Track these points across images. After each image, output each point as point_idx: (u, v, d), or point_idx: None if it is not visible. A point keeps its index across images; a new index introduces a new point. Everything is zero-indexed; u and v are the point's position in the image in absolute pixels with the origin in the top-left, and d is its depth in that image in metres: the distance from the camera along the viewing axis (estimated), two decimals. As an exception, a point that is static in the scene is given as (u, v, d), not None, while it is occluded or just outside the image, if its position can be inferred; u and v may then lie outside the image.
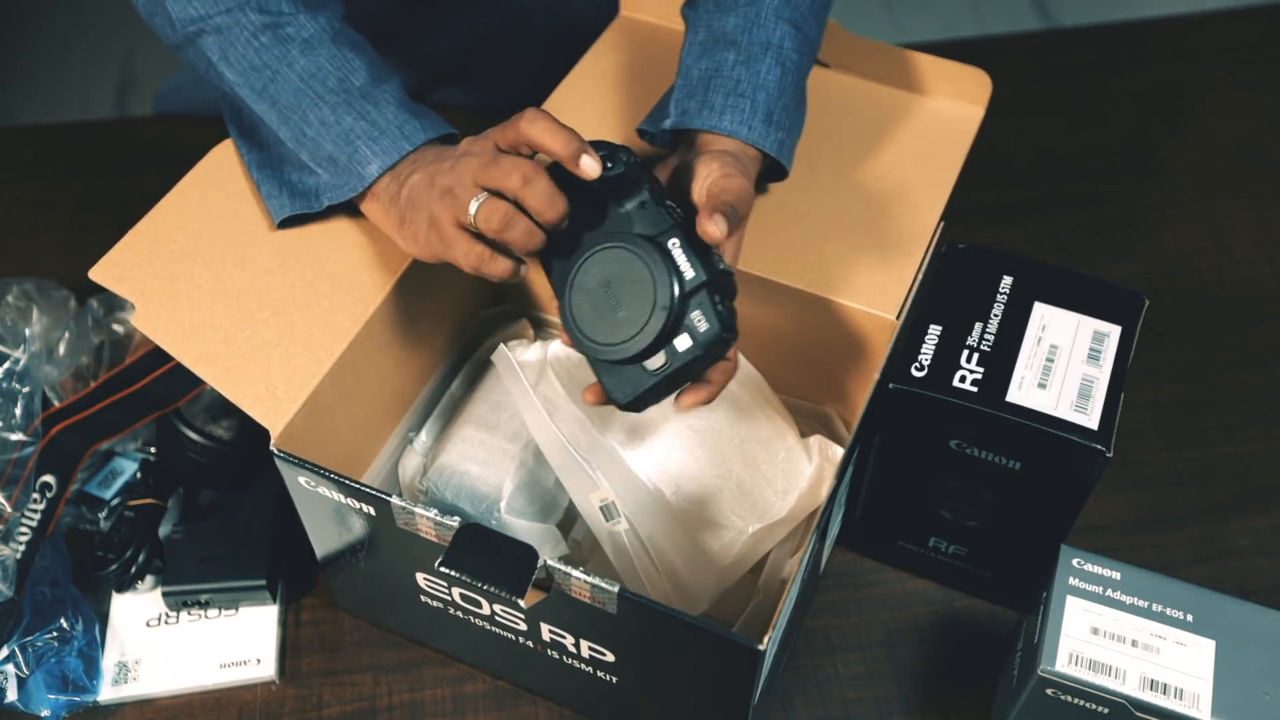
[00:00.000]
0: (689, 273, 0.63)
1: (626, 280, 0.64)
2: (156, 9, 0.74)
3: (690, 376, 0.66)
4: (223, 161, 0.80)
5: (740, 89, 0.73)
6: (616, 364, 0.65)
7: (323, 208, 0.75)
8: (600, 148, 0.66)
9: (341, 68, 0.72)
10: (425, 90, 1.17)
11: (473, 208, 0.65)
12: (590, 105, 0.90)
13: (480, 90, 1.17)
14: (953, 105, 0.90)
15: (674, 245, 0.64)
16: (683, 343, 0.63)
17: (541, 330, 0.90)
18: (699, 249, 0.64)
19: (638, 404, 0.66)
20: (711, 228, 0.64)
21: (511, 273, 0.67)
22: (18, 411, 0.86)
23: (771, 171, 0.78)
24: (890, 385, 0.73)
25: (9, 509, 0.83)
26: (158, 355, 0.85)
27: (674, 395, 0.68)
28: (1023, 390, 0.72)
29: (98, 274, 0.73)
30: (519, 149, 0.67)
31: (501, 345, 0.78)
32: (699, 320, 0.63)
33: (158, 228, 0.76)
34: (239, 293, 0.73)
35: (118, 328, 0.91)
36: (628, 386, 0.65)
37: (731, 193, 0.67)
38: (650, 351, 0.64)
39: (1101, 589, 0.68)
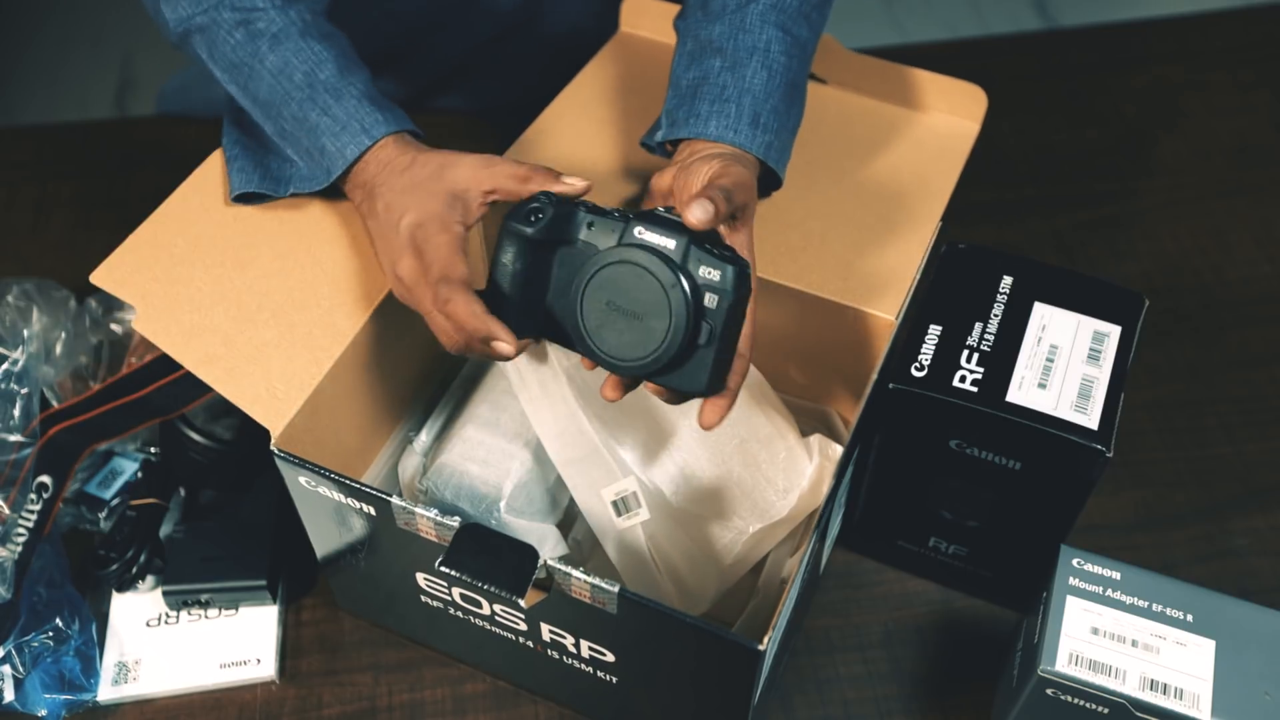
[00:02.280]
0: (669, 243, 0.62)
1: (623, 290, 0.63)
2: (155, 10, 0.76)
3: (736, 326, 0.64)
4: (221, 166, 0.80)
5: (726, 94, 0.72)
6: (674, 363, 0.64)
7: (286, 195, 0.76)
8: (521, 208, 0.66)
9: (308, 61, 0.73)
10: (425, 96, 1.17)
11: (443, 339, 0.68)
12: (588, 117, 0.90)
13: (479, 96, 1.18)
14: (948, 120, 0.90)
15: (639, 232, 0.63)
16: (711, 300, 0.62)
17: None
18: (664, 223, 0.63)
19: (716, 382, 0.64)
20: (691, 214, 0.62)
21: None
22: (15, 412, 0.86)
23: (766, 180, 0.76)
24: (890, 385, 0.73)
25: (6, 510, 0.83)
26: (162, 364, 0.84)
27: (699, 412, 0.66)
28: (1023, 390, 0.72)
29: (99, 278, 0.73)
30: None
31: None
32: (710, 273, 0.62)
33: (158, 231, 0.76)
34: (239, 295, 0.73)
35: (116, 328, 0.91)
36: (698, 373, 0.64)
37: (728, 177, 0.66)
38: (694, 329, 0.63)
39: (1101, 589, 0.68)
